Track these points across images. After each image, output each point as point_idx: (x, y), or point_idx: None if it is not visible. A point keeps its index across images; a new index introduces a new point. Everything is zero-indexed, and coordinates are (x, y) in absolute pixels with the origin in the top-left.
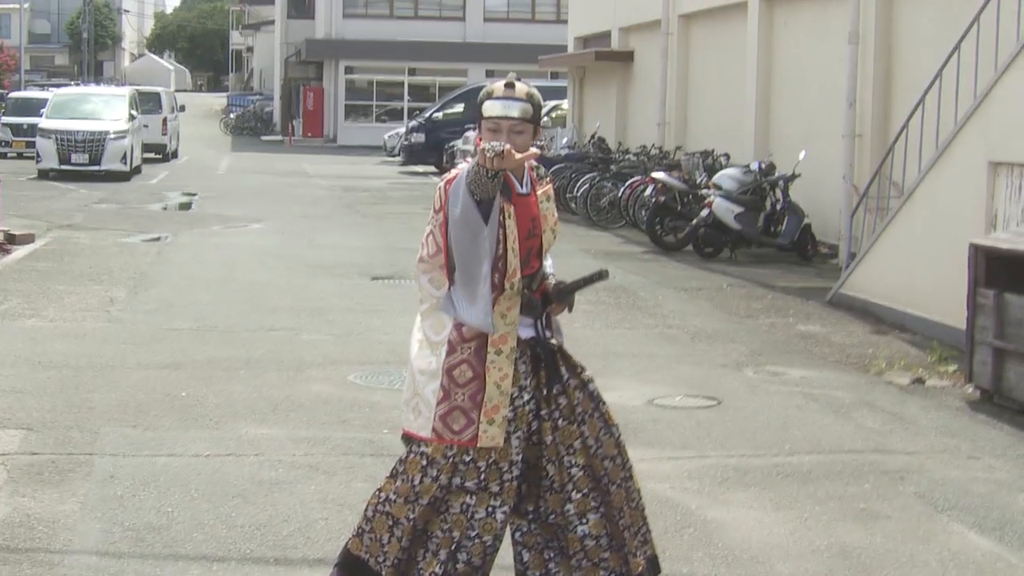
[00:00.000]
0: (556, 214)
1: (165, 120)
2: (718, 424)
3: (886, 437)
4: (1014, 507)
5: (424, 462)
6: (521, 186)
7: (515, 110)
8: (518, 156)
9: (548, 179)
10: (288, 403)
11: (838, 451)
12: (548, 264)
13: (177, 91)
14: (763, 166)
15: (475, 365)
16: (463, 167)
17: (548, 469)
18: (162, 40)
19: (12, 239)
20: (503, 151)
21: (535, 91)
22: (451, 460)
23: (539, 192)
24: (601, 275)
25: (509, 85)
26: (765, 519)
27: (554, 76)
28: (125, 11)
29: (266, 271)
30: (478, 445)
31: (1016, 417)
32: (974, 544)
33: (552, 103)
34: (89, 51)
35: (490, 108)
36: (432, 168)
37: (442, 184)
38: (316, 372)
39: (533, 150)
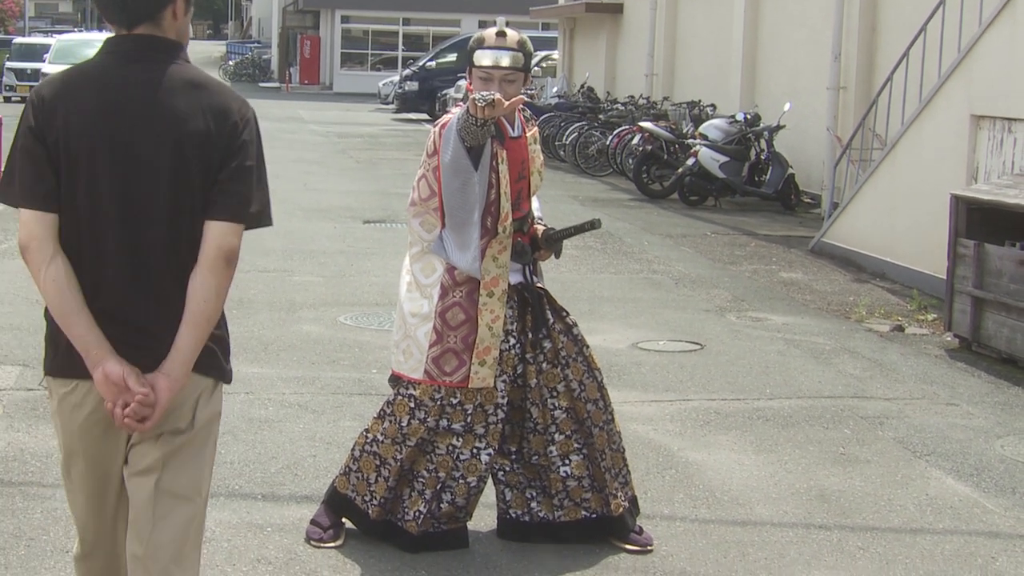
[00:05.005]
0: (542, 156)
1: None
2: (700, 368)
3: (866, 383)
4: (991, 454)
5: (412, 404)
6: (513, 129)
7: (506, 59)
8: (507, 104)
9: (533, 120)
10: (279, 343)
11: (818, 396)
12: (536, 207)
13: None
14: (748, 117)
15: (467, 308)
16: (456, 112)
17: (532, 411)
18: None
19: None
20: (493, 100)
21: (526, 39)
22: (439, 402)
23: (528, 134)
24: (593, 224)
25: (500, 34)
26: (745, 462)
27: (545, 27)
28: None
29: None
30: (469, 386)
31: (994, 365)
32: (951, 489)
33: (543, 53)
34: None
35: (481, 57)
36: (425, 116)
37: (436, 128)
38: (307, 313)
39: (521, 96)
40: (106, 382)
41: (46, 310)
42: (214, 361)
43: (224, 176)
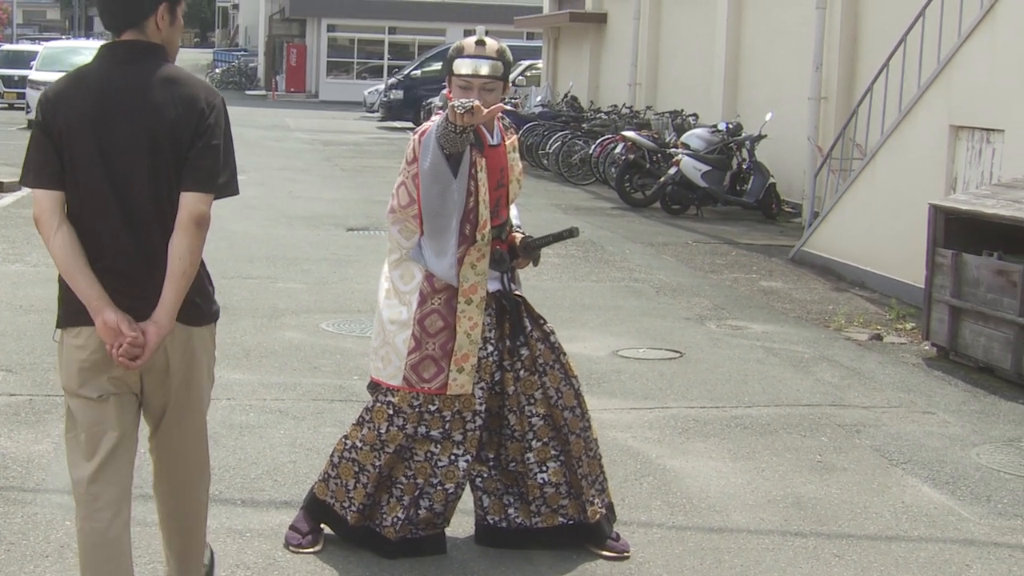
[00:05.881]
0: (520, 164)
1: None
2: (680, 376)
3: (844, 391)
4: (966, 462)
5: (391, 411)
6: (492, 137)
7: (485, 68)
8: (486, 112)
9: (512, 128)
10: (261, 349)
11: (796, 404)
12: (514, 215)
13: None
14: (730, 126)
15: (445, 315)
16: (436, 119)
17: (509, 418)
18: None
19: (0, 186)
20: (472, 107)
21: (505, 48)
22: (417, 409)
23: (507, 143)
24: (571, 232)
25: (480, 43)
26: (723, 469)
27: (530, 36)
28: None
29: (245, 221)
30: (447, 393)
31: (971, 374)
32: (927, 497)
33: (527, 62)
34: (80, 6)
35: (461, 66)
36: (410, 124)
37: (415, 136)
38: (289, 320)
39: (500, 104)
40: (105, 328)
41: (60, 275)
42: (193, 311)
43: (194, 154)
